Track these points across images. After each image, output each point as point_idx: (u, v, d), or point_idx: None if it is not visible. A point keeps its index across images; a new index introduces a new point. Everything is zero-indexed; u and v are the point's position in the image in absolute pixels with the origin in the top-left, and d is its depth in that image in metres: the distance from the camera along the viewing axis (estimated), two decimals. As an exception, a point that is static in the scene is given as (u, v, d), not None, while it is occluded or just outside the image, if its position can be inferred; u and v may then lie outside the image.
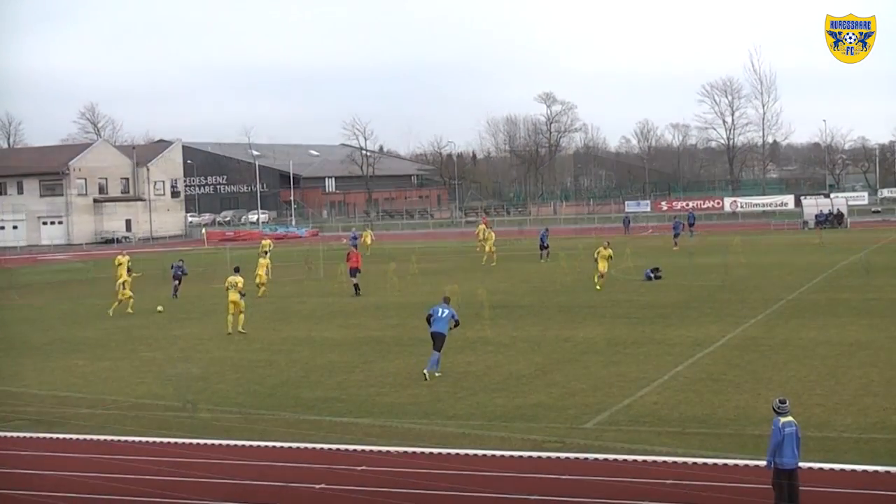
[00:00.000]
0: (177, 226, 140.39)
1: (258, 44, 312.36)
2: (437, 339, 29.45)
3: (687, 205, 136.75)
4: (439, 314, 29.64)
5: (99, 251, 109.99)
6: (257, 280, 52.03)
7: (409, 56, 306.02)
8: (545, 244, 68.66)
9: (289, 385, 29.17)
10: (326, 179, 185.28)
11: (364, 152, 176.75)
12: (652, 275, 52.36)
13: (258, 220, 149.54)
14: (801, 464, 16.19)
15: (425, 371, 29.15)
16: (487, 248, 67.65)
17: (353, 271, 51.50)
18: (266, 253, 58.00)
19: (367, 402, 26.61)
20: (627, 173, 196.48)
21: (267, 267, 53.29)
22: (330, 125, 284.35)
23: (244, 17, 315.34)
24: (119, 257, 56.91)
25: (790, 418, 16.29)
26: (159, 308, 43.50)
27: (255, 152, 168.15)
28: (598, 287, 48.28)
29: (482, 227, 77.15)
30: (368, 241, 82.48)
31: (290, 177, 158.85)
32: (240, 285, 39.35)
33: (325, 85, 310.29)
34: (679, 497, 17.98)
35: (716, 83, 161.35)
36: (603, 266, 49.00)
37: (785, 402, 16.46)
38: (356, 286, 50.88)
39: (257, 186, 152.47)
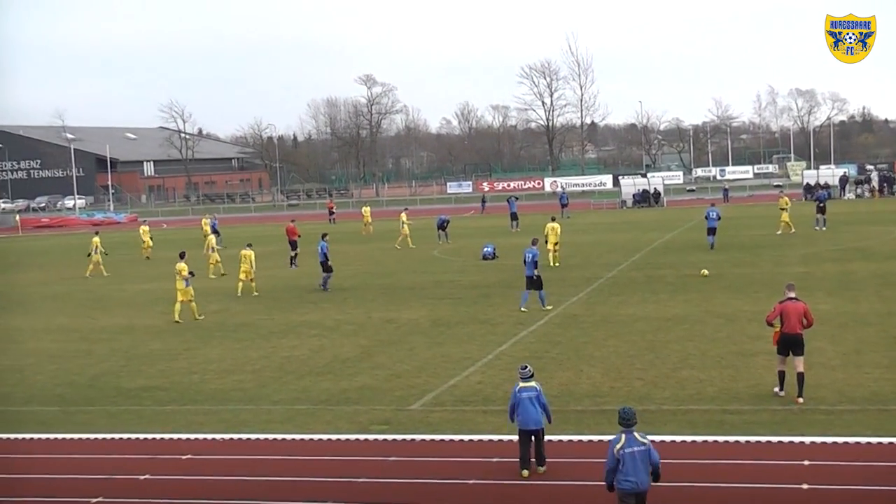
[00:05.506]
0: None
1: (68, 21, 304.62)
2: (529, 281, 35.56)
3: (508, 185, 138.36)
4: (528, 259, 35.67)
5: None
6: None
7: (227, 37, 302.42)
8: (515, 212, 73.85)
9: (109, 375, 28.54)
10: (144, 163, 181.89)
11: (183, 135, 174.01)
12: (490, 254, 52.79)
13: (75, 205, 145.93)
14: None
15: (545, 307, 35.24)
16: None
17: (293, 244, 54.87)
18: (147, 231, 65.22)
19: (191, 389, 26.25)
20: (448, 154, 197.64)
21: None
22: (147, 107, 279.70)
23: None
24: (143, 227, 67.34)
25: (532, 383, 17.96)
26: (704, 272, 41.46)
27: (70, 135, 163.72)
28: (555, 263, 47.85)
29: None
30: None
31: (106, 161, 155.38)
32: (184, 272, 37.19)
33: (141, 66, 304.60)
34: (505, 475, 18.18)
35: (534, 65, 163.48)
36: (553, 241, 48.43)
37: (525, 368, 18.21)
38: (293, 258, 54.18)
39: (73, 171, 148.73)
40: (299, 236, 55.59)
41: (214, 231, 61.58)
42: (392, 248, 62.04)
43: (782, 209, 60.58)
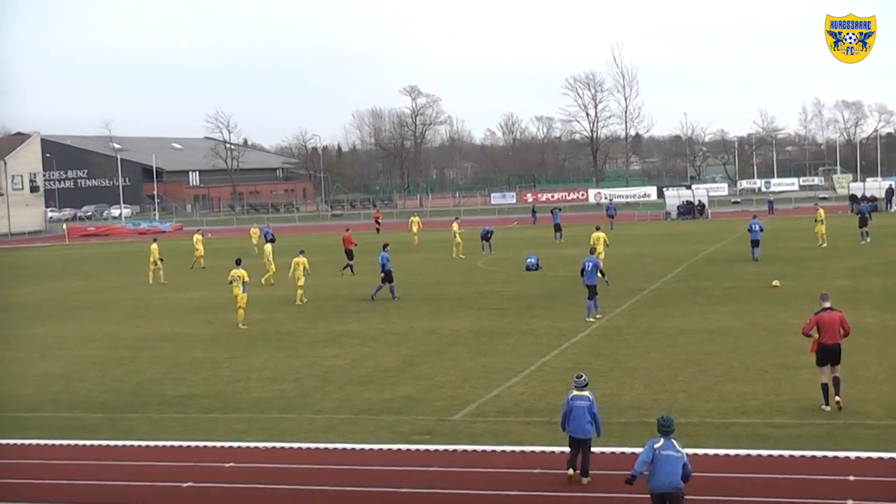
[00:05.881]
0: (36, 221, 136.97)
1: (116, 34, 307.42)
2: (591, 289, 35.50)
3: (552, 196, 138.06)
4: (588, 268, 35.60)
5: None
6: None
7: (272, 48, 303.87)
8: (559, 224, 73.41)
9: (153, 382, 28.71)
10: (190, 173, 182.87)
11: (228, 145, 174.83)
12: (534, 265, 52.66)
13: (121, 214, 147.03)
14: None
15: (587, 318, 35.19)
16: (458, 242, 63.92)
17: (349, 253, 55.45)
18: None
19: (234, 397, 26.35)
20: (492, 165, 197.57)
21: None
22: (192, 118, 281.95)
23: (101, 7, 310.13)
24: (197, 235, 66.64)
25: (586, 393, 18.10)
26: (776, 282, 41.82)
27: (117, 145, 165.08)
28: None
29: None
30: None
31: (152, 170, 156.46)
32: (245, 278, 37.77)
33: (187, 77, 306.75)
34: (547, 486, 18.14)
35: (579, 77, 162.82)
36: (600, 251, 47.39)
37: (581, 377, 18.37)
38: (350, 266, 54.49)
39: (119, 180, 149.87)
40: (356, 245, 55.81)
41: (271, 240, 61.54)
42: (436, 259, 62.04)
43: (817, 221, 60.25)
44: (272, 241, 60.73)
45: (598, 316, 35.51)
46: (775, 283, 41.63)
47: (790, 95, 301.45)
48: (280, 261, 51.88)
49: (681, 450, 15.27)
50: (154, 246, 57.09)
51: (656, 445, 15.20)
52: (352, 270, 53.85)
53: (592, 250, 38.29)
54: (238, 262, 38.97)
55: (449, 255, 63.02)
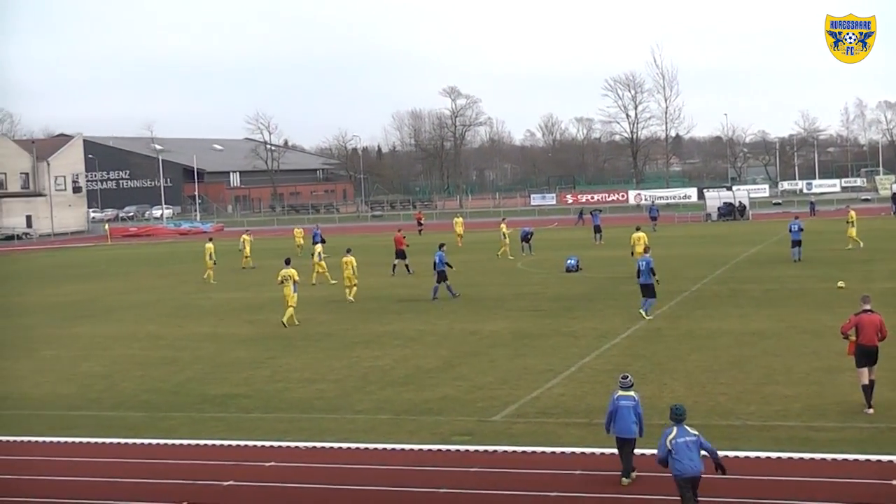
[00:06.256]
0: (79, 222, 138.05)
1: (158, 37, 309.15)
2: (645, 289, 35.96)
3: (592, 198, 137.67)
4: (643, 267, 36.12)
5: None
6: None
7: (313, 50, 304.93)
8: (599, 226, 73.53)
9: (194, 382, 28.88)
10: (231, 174, 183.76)
11: (268, 146, 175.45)
12: (574, 266, 52.55)
13: (162, 215, 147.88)
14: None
15: (641, 311, 35.89)
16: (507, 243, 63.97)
17: (400, 253, 55.42)
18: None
19: (275, 397, 26.46)
20: (532, 166, 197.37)
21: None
22: (233, 119, 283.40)
23: (142, 9, 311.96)
24: (245, 236, 66.76)
25: (631, 393, 18.34)
26: (840, 284, 41.90)
27: (158, 146, 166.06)
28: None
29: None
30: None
31: (193, 171, 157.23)
32: (295, 277, 38.16)
33: (227, 79, 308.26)
34: (587, 488, 18.12)
35: (619, 78, 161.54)
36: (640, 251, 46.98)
37: (626, 378, 18.55)
38: (406, 266, 54.71)
39: (161, 181, 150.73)
40: (408, 245, 55.98)
41: (321, 240, 61.72)
42: (476, 260, 61.86)
43: (848, 223, 59.65)
44: (323, 241, 61.01)
45: (648, 318, 35.54)
46: (840, 284, 41.28)
47: (832, 96, 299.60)
48: (327, 261, 52.03)
49: (694, 432, 15.70)
50: (210, 245, 57.39)
51: (669, 437, 15.62)
52: (393, 270, 54.26)
53: (646, 249, 38.65)
54: (287, 262, 39.14)
55: (489, 255, 62.95)
